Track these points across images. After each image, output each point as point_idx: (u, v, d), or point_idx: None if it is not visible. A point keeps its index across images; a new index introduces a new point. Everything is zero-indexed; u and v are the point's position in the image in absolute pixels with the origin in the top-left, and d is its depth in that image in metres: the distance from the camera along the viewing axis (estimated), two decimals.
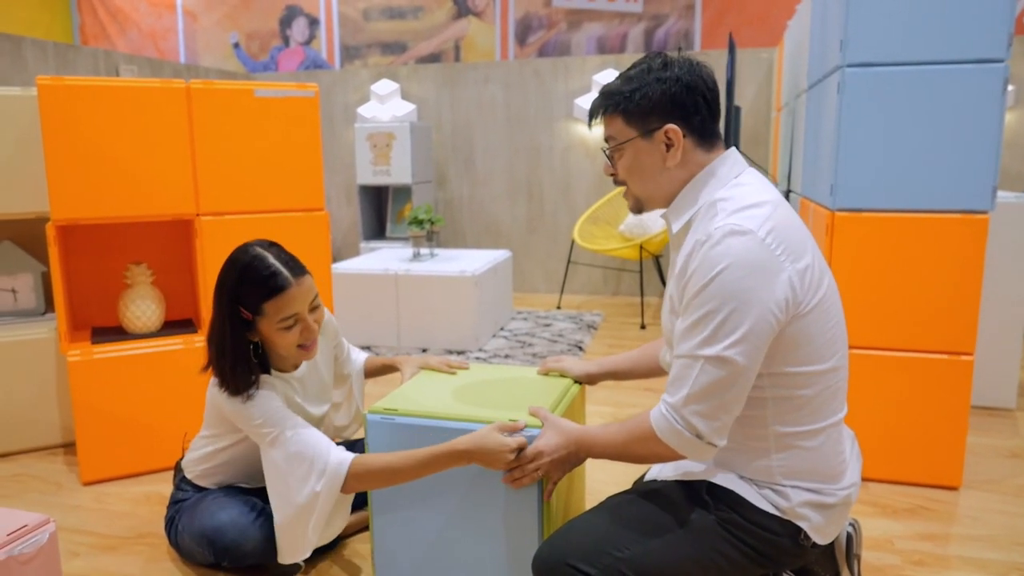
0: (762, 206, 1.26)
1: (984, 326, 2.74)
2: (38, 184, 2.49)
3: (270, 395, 1.68)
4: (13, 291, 2.67)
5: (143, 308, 2.49)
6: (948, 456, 2.21)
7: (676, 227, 1.36)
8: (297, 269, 1.67)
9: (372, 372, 2.13)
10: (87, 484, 2.36)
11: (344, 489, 1.61)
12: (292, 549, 1.69)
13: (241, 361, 1.67)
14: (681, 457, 1.29)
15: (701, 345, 1.22)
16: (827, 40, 2.38)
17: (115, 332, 2.53)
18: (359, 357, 2.13)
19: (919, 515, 2.10)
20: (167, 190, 2.39)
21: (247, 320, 1.66)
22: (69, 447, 2.64)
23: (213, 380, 1.74)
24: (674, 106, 1.31)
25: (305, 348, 1.72)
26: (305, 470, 1.61)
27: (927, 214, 2.12)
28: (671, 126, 1.31)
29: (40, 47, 4.42)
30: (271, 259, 1.65)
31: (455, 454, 1.50)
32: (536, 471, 1.45)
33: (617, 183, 1.42)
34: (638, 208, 1.42)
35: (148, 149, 2.35)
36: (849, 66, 2.12)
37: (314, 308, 1.71)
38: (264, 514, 1.77)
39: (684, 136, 1.31)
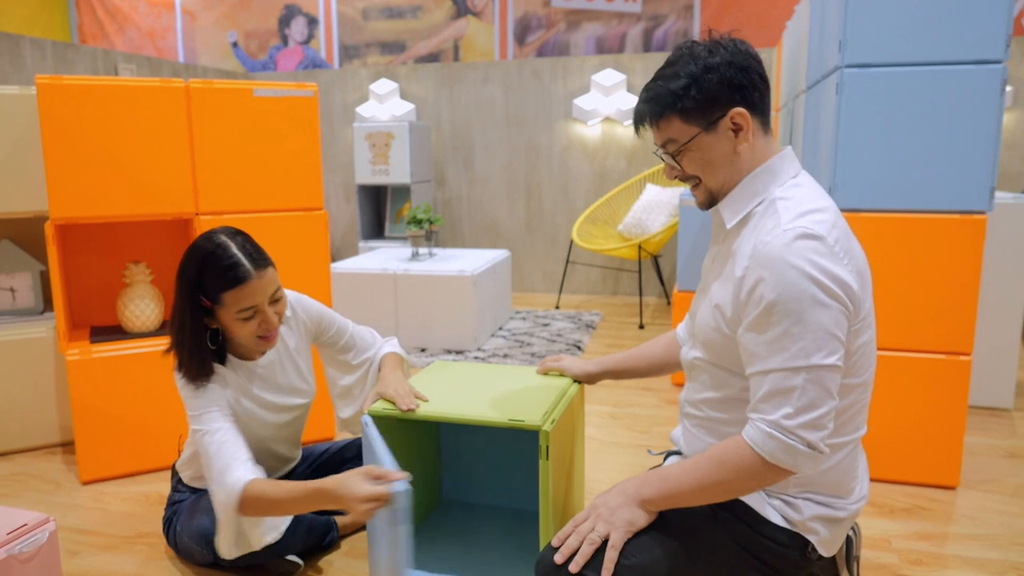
0: (825, 211, 1.24)
1: (982, 326, 2.74)
2: (37, 183, 2.49)
3: (215, 390, 1.68)
4: (12, 290, 2.66)
5: (142, 307, 2.49)
6: (946, 456, 2.21)
7: (732, 222, 1.32)
8: (260, 260, 1.65)
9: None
10: (86, 483, 2.36)
11: (240, 510, 1.55)
12: (230, 544, 1.64)
13: (198, 349, 1.68)
14: (786, 475, 1.22)
15: (797, 356, 1.18)
16: (826, 41, 2.38)
17: (114, 331, 2.53)
18: (380, 353, 2.00)
19: (917, 515, 2.10)
20: (166, 189, 2.39)
21: (206, 308, 1.66)
22: (68, 446, 2.64)
23: (176, 368, 1.73)
24: (733, 91, 1.25)
25: (265, 339, 1.71)
26: (216, 474, 1.59)
27: (925, 214, 2.13)
28: (736, 110, 1.26)
29: (39, 46, 4.41)
30: (234, 249, 1.63)
31: (322, 492, 1.47)
32: (591, 530, 1.29)
33: (684, 180, 1.35)
34: (710, 202, 1.36)
35: (147, 148, 2.34)
36: (848, 67, 2.12)
37: (275, 300, 1.69)
38: None
39: (751, 117, 1.27)
